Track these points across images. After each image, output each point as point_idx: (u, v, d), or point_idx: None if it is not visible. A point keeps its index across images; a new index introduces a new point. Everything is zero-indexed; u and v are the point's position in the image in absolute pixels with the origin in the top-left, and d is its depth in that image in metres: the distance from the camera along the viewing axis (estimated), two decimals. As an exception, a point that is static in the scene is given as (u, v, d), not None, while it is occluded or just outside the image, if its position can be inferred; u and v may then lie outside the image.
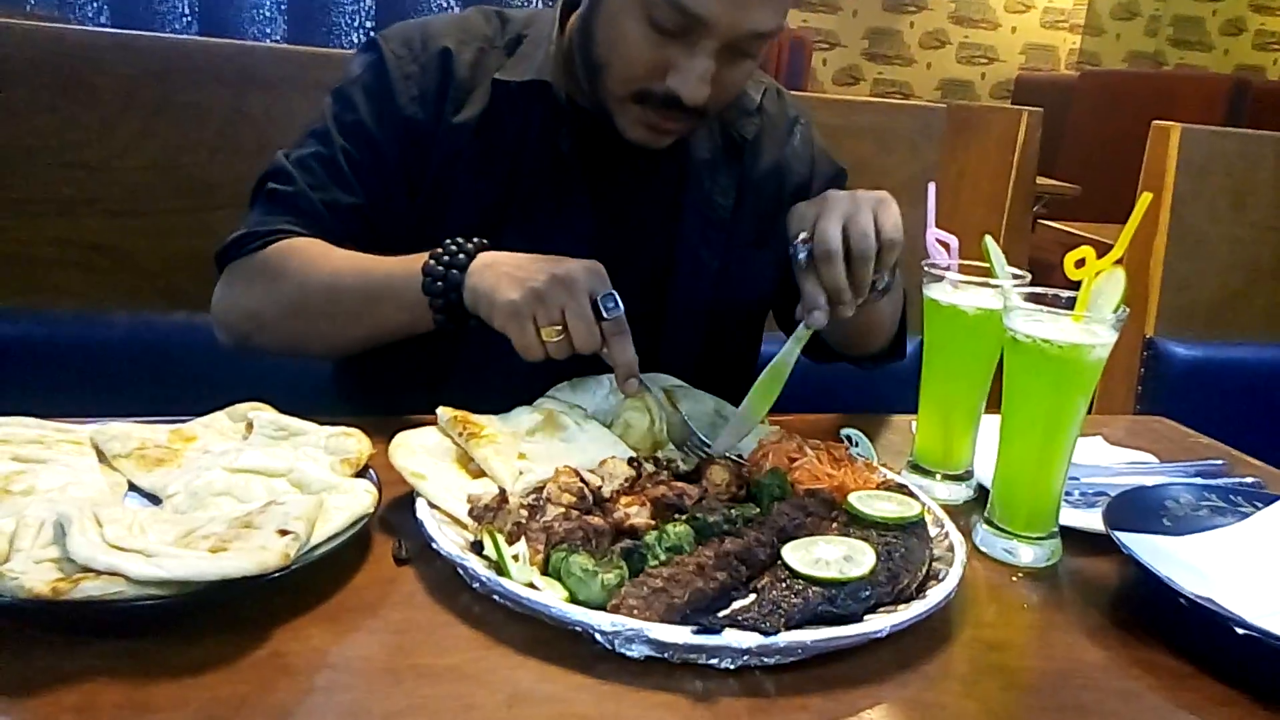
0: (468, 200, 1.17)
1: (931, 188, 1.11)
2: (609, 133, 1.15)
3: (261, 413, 0.96)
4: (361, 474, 0.89)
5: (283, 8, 2.26)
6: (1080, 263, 0.88)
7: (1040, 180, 3.51)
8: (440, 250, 1.03)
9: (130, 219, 1.44)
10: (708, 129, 1.24)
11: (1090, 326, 0.88)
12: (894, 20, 6.88)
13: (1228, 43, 7.72)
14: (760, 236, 1.27)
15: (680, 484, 0.91)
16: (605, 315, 0.95)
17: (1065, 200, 4.35)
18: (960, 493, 1.05)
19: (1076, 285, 0.89)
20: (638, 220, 1.23)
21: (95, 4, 2.17)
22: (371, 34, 1.21)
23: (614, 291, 0.96)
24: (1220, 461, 1.17)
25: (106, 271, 1.44)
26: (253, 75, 1.47)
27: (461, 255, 1.01)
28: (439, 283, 1.01)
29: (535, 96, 1.17)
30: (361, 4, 2.30)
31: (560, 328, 0.95)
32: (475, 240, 1.03)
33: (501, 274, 0.98)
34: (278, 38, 2.28)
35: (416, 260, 1.03)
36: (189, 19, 2.24)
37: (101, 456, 0.89)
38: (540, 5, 2.40)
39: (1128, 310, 0.87)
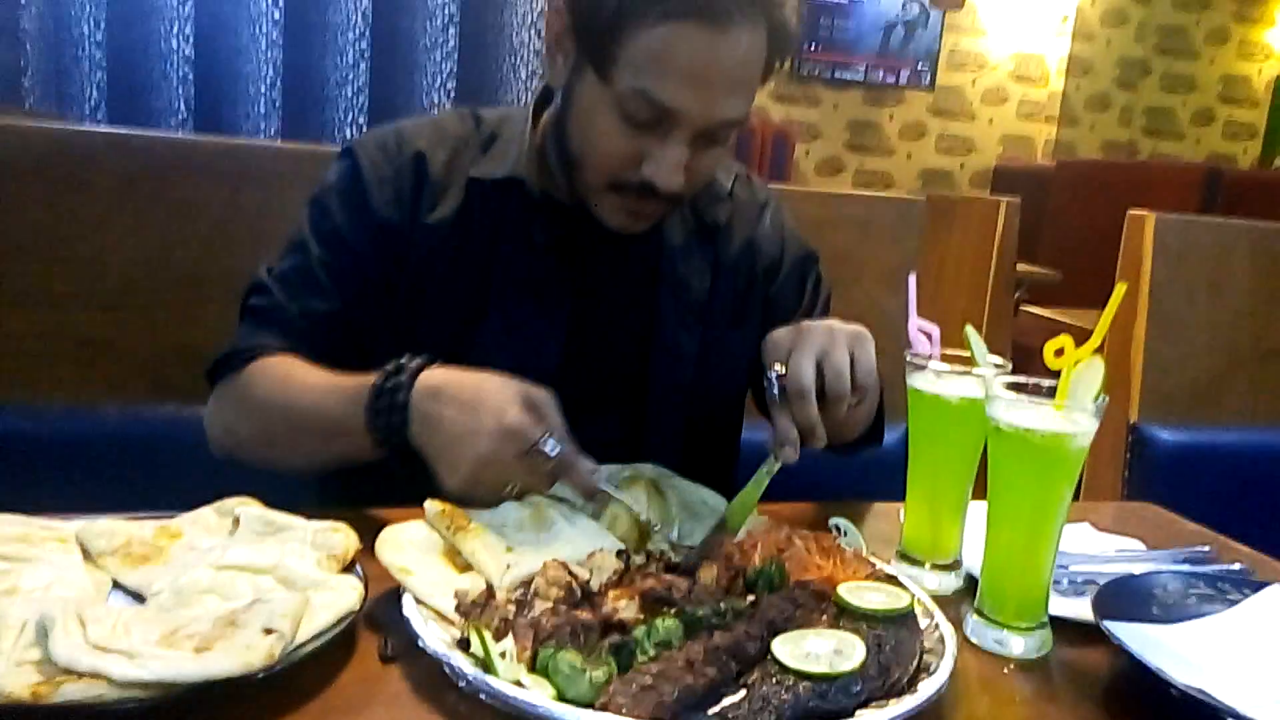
0: (445, 297, 1.19)
1: (912, 278, 1.13)
2: (583, 224, 1.18)
3: (248, 508, 0.95)
4: (348, 569, 0.89)
5: (277, 104, 2.30)
6: (1059, 352, 0.90)
7: (1022, 267, 3.57)
8: (378, 385, 1.01)
9: (121, 312, 1.45)
10: (680, 215, 1.28)
11: (1071, 415, 0.89)
12: (874, 113, 7.04)
13: (1199, 132, 7.93)
14: (736, 317, 1.31)
15: (669, 576, 0.90)
16: (549, 455, 0.96)
17: (1047, 286, 4.41)
18: (950, 582, 1.04)
19: (1058, 373, 0.91)
20: (615, 308, 1.25)
21: (92, 101, 2.22)
22: (347, 144, 1.25)
23: (549, 434, 0.96)
24: (1207, 548, 1.17)
25: (96, 365, 1.45)
26: (247, 171, 1.50)
27: (400, 394, 1.00)
28: (380, 418, 1.00)
29: (509, 192, 1.20)
30: (355, 101, 2.34)
31: (510, 485, 0.98)
32: (411, 368, 1.02)
33: (442, 439, 0.98)
34: (272, 133, 2.32)
35: (364, 389, 1.02)
36: (185, 115, 2.28)
37: (87, 554, 0.88)
38: (517, 104, 2.46)
39: (1107, 398, 0.89)
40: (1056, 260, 4.70)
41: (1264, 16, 7.84)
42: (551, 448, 0.95)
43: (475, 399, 0.97)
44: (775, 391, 1.03)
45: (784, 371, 1.03)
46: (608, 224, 1.16)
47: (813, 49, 6.85)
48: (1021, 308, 3.69)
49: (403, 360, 1.02)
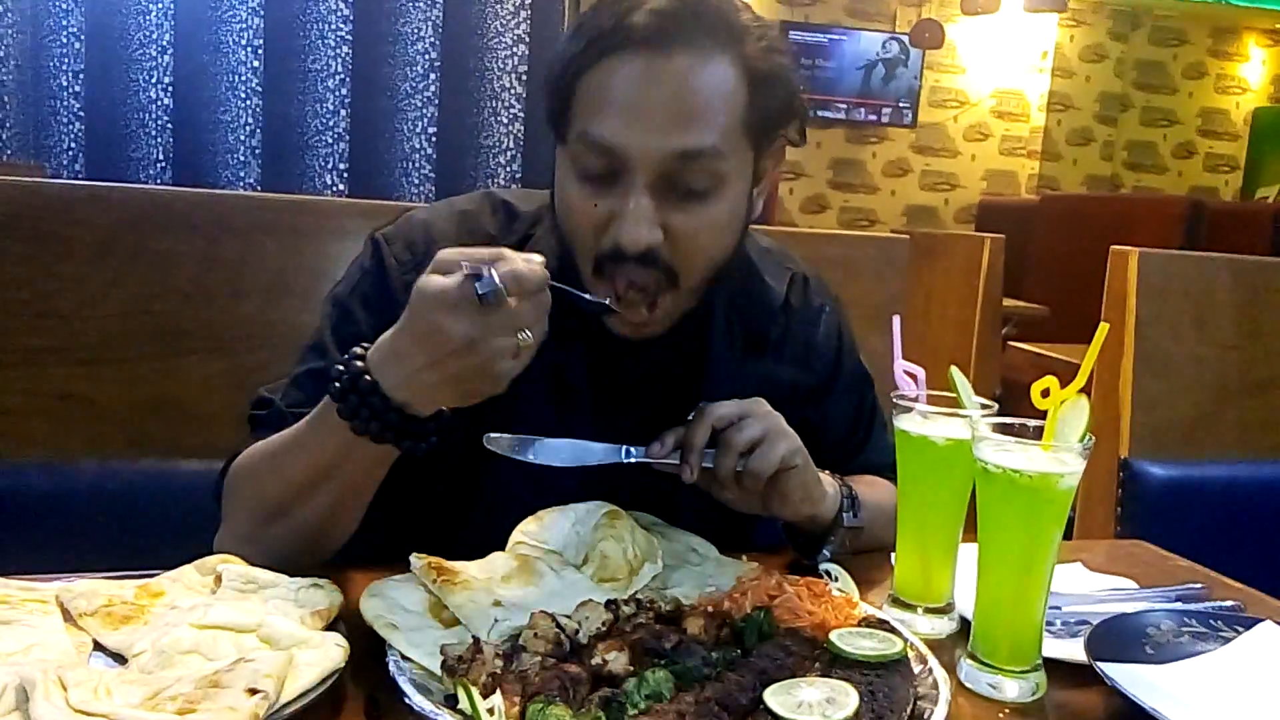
0: (464, 410, 1.03)
1: (896, 320, 1.13)
2: (618, 335, 1.12)
3: (230, 565, 0.94)
4: (332, 626, 0.87)
5: (257, 153, 2.30)
6: (1045, 393, 0.89)
7: (1008, 302, 3.59)
8: (335, 376, 0.95)
9: (99, 367, 1.44)
10: (727, 325, 1.20)
11: (1059, 455, 0.89)
12: (857, 150, 7.12)
13: (1180, 165, 8.03)
14: None
15: (660, 626, 0.89)
16: (483, 296, 0.87)
17: (1035, 321, 4.43)
18: (943, 626, 1.03)
19: (1045, 413, 0.90)
20: (648, 425, 1.15)
21: (70, 152, 2.22)
22: (373, 235, 1.18)
23: (475, 271, 0.87)
24: (1200, 585, 1.17)
25: (74, 420, 1.43)
26: (225, 222, 1.49)
27: (354, 363, 0.94)
28: (347, 393, 0.93)
29: None
30: (335, 148, 2.35)
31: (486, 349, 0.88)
32: (352, 351, 0.96)
33: (407, 369, 0.91)
34: (251, 181, 2.32)
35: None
36: (163, 165, 2.28)
37: (67, 615, 0.87)
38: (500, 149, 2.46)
39: (1094, 438, 0.88)
40: (1043, 295, 4.73)
41: (1239, 51, 7.97)
42: (485, 282, 0.87)
43: (410, 323, 0.92)
44: (692, 414, 1.07)
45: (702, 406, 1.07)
46: (615, 330, 1.10)
47: (795, 89, 6.91)
48: (1010, 344, 3.71)
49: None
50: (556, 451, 1.05)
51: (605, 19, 1.00)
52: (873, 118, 7.11)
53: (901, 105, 7.13)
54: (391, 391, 0.92)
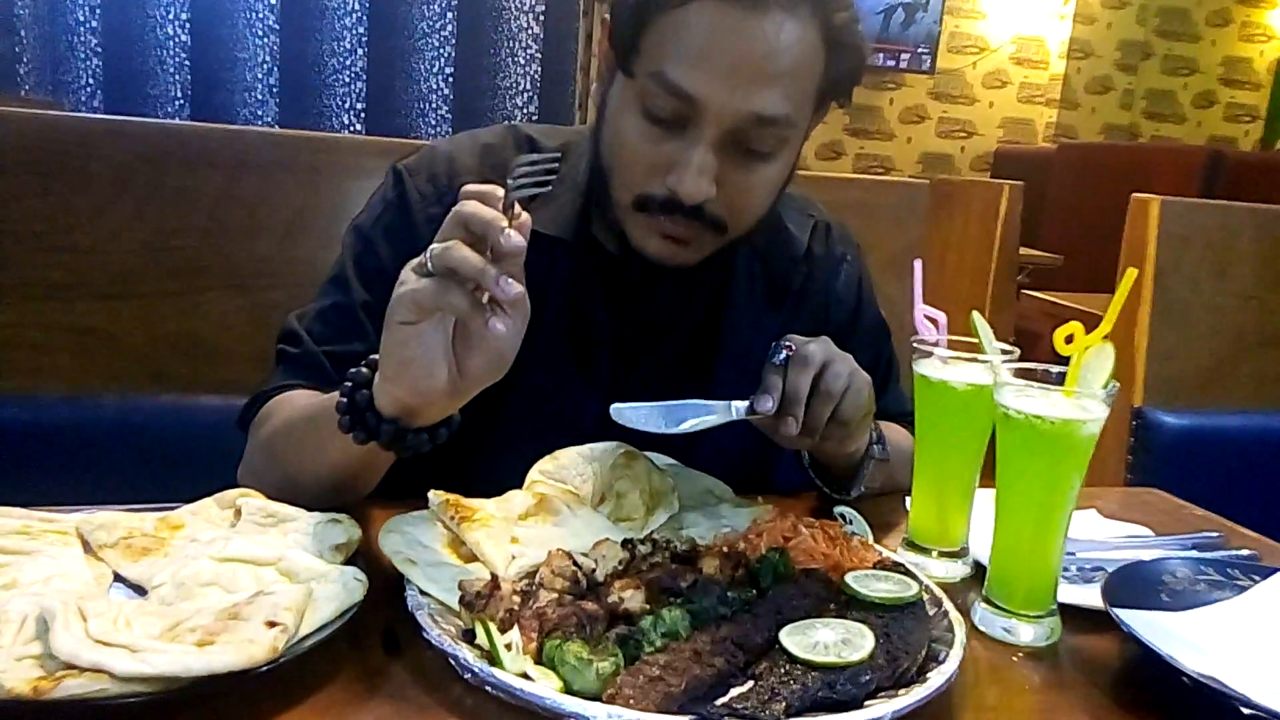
0: None
1: (918, 264, 1.12)
2: (636, 279, 1.11)
3: (250, 499, 0.94)
4: (351, 560, 0.88)
5: (274, 91, 2.29)
6: (1069, 339, 0.88)
7: (1023, 251, 3.56)
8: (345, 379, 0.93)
9: (120, 302, 1.44)
10: (749, 273, 1.19)
11: (1082, 402, 0.88)
12: (874, 97, 7.02)
13: (1200, 115, 7.90)
14: None
15: (675, 566, 0.90)
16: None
17: (1048, 270, 4.40)
18: (957, 570, 1.04)
19: (1064, 359, 0.90)
20: (666, 371, 1.17)
21: (88, 89, 2.21)
22: (395, 166, 1.17)
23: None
24: (1216, 534, 1.17)
25: (95, 354, 1.44)
26: (244, 159, 1.49)
27: (376, 357, 0.91)
28: (347, 383, 0.92)
29: (559, 251, 1.12)
30: (353, 87, 2.33)
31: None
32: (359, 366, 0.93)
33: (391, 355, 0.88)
34: (269, 120, 2.31)
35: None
36: (181, 102, 2.27)
37: (87, 546, 0.88)
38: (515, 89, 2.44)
39: (1118, 385, 0.88)
40: (1057, 244, 4.70)
41: (1266, -2, 7.80)
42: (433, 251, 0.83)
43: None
44: (779, 358, 1.02)
45: (794, 347, 1.02)
46: (643, 251, 1.07)
47: (812, 33, 6.80)
48: (1023, 292, 3.69)
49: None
50: (679, 417, 1.03)
51: None
52: (891, 63, 6.99)
53: (920, 51, 7.01)
54: (385, 408, 0.90)
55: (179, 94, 2.25)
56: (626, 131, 1.03)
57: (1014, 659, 0.89)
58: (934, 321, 1.07)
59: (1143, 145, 7.28)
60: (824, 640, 0.77)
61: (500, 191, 0.84)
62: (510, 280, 0.81)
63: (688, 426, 1.02)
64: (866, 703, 0.73)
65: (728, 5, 0.96)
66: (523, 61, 2.41)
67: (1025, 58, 7.23)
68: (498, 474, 1.02)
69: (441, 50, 2.35)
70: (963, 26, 7.07)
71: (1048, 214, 5.40)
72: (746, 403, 1.03)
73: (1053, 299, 3.58)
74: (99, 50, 2.18)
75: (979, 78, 7.18)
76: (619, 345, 1.15)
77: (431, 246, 0.83)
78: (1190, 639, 0.87)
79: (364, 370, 0.92)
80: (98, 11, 2.17)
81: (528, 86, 2.42)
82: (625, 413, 1.02)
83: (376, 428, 0.90)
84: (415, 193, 1.14)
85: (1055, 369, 0.90)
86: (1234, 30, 7.81)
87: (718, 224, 1.05)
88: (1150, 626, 0.86)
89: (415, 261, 0.85)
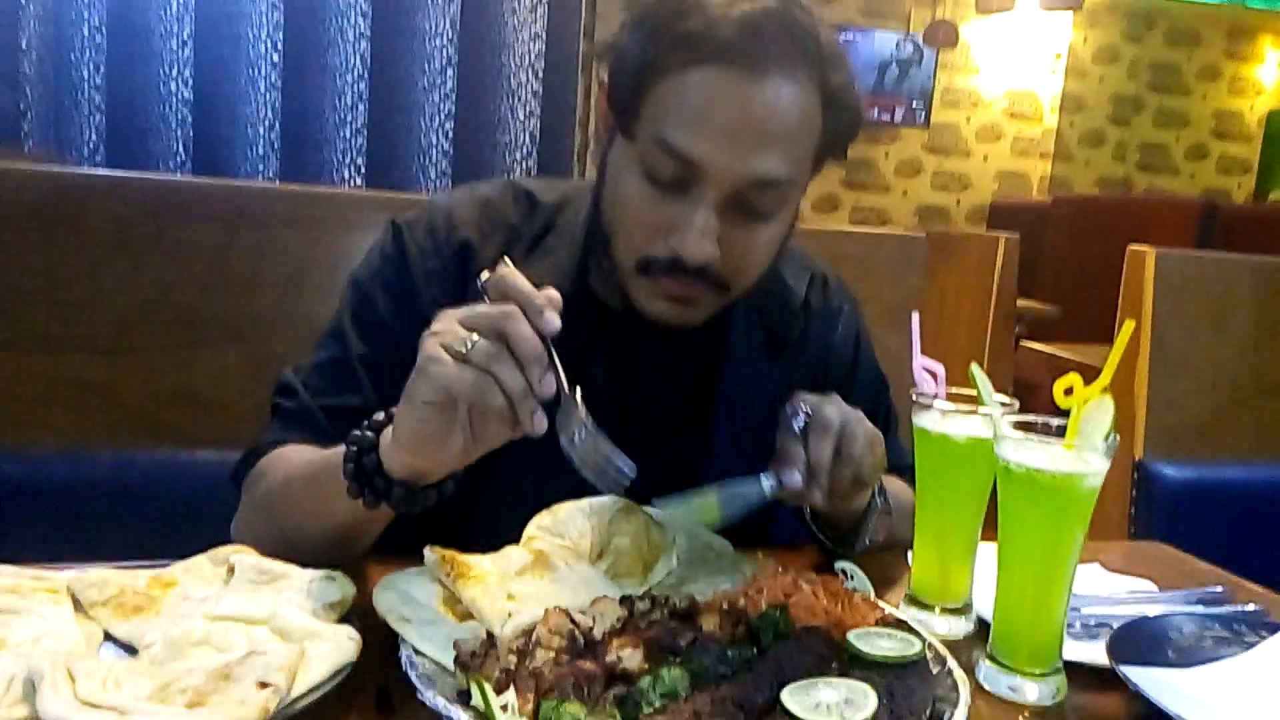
0: None
1: (915, 317, 1.12)
2: (635, 332, 1.11)
3: (244, 556, 0.93)
4: (345, 619, 0.87)
5: (275, 146, 2.30)
6: (1068, 391, 0.88)
7: (1020, 302, 3.57)
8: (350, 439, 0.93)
9: (117, 356, 1.44)
10: (748, 326, 1.19)
11: (1083, 455, 0.87)
12: (870, 150, 7.09)
13: (1193, 167, 7.98)
14: None
15: (674, 623, 0.88)
16: (482, 288, 0.85)
17: (1045, 321, 4.41)
18: (960, 626, 1.02)
19: (1064, 410, 0.89)
20: (664, 424, 1.17)
21: (91, 144, 2.22)
22: (393, 220, 1.17)
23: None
24: (1220, 588, 1.15)
25: (92, 409, 1.43)
26: (243, 213, 1.49)
27: (379, 417, 0.93)
28: (352, 446, 0.92)
29: None
30: (354, 142, 2.35)
31: (468, 337, 0.82)
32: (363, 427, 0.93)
33: (406, 428, 0.88)
34: (270, 175, 2.32)
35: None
36: (183, 157, 2.28)
37: (78, 605, 0.86)
38: (514, 146, 2.46)
39: (1118, 438, 0.87)
40: (1053, 296, 4.71)
41: (1254, 53, 7.91)
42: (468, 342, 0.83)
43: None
44: (798, 424, 1.02)
45: (810, 411, 1.02)
46: (646, 312, 1.07)
47: (808, 88, 6.89)
48: (1021, 344, 3.69)
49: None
50: (722, 511, 1.04)
51: (692, 23, 0.98)
52: (886, 117, 7.07)
53: (914, 105, 7.09)
54: (395, 471, 0.90)
55: (181, 149, 2.26)
56: (628, 194, 1.04)
57: (1020, 718, 0.87)
58: (933, 374, 1.07)
59: (1137, 197, 7.33)
60: (827, 700, 0.76)
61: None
62: (549, 376, 0.84)
63: (732, 515, 1.03)
64: (870, 764, 0.72)
65: (728, 71, 0.97)
66: (522, 117, 2.43)
67: (1019, 112, 7.31)
68: (495, 528, 1.01)
69: (442, 105, 2.37)
70: (956, 81, 7.16)
71: (1043, 266, 5.42)
72: (773, 479, 1.03)
73: (1050, 350, 3.59)
74: (102, 107, 2.19)
75: (973, 131, 7.25)
76: (616, 397, 1.15)
77: (472, 334, 0.83)
78: (1198, 697, 0.85)
79: (368, 434, 0.92)
80: (101, 69, 2.18)
81: (526, 141, 2.44)
82: (668, 510, 1.02)
83: (387, 491, 0.90)
84: (414, 246, 1.15)
85: (1055, 421, 0.90)
86: (1224, 84, 7.91)
87: (721, 284, 1.06)
88: (1157, 684, 0.85)
89: (444, 336, 0.84)
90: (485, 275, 0.87)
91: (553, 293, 0.85)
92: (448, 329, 0.84)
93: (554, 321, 0.84)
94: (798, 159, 1.03)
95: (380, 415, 0.93)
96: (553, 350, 0.85)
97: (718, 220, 1.01)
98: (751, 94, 0.97)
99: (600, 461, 0.91)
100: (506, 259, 0.90)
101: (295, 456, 1.08)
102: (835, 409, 1.04)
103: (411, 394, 0.86)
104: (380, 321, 1.12)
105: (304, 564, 0.94)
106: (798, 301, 1.25)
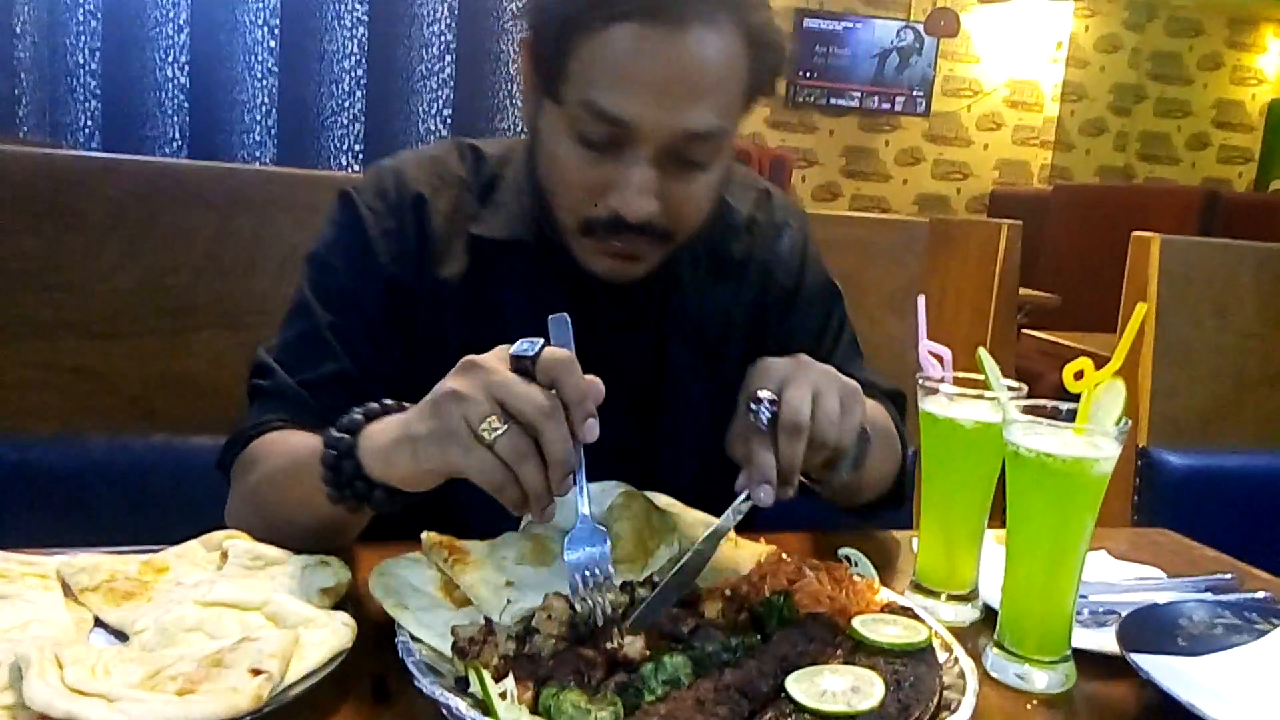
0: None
1: (921, 300, 1.10)
2: (589, 272, 1.10)
3: (237, 541, 0.92)
4: (340, 605, 0.85)
5: (272, 133, 2.28)
6: (1079, 375, 0.87)
7: (1022, 291, 3.56)
8: (328, 436, 0.91)
9: (111, 341, 1.42)
10: (692, 252, 1.18)
11: (1093, 439, 0.86)
12: (870, 139, 7.08)
13: (1194, 156, 7.97)
14: (749, 356, 1.11)
15: (676, 609, 0.87)
16: (531, 360, 0.81)
17: (1046, 309, 4.40)
18: (966, 614, 1.01)
19: (1070, 397, 0.88)
20: (622, 359, 1.13)
21: (86, 130, 2.20)
22: (342, 189, 1.17)
23: (527, 341, 0.83)
24: (1229, 576, 1.14)
25: (85, 394, 1.41)
26: (239, 197, 1.47)
27: (357, 416, 0.90)
28: (330, 450, 0.89)
29: (511, 248, 1.13)
30: (351, 129, 2.33)
31: (497, 417, 0.79)
32: (381, 404, 0.92)
33: (396, 421, 0.87)
34: (267, 160, 2.30)
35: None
36: (179, 143, 2.26)
37: (68, 590, 0.85)
38: (513, 131, 2.45)
39: (1129, 422, 0.86)
40: (1054, 285, 4.70)
41: (1256, 42, 7.90)
42: (527, 349, 0.82)
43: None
44: (764, 420, 0.91)
45: (776, 400, 0.92)
46: (593, 270, 1.08)
47: (808, 76, 6.88)
48: (1022, 332, 3.68)
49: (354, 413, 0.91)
50: (692, 562, 0.89)
51: None
52: (886, 106, 7.06)
53: (915, 94, 7.07)
54: (378, 477, 0.87)
55: (176, 135, 2.24)
56: (562, 158, 1.03)
57: (1028, 706, 0.86)
58: (939, 358, 1.05)
59: (1138, 186, 7.32)
60: (832, 688, 0.74)
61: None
62: (569, 478, 0.82)
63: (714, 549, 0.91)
64: (877, 753, 0.70)
65: (650, 26, 0.95)
66: (520, 104, 2.41)
67: (1019, 101, 7.30)
68: (491, 512, 0.98)
69: (439, 93, 2.35)
70: (957, 70, 7.14)
71: (1044, 255, 5.41)
72: (743, 497, 0.90)
73: (1052, 338, 3.57)
74: (98, 93, 2.17)
75: (974, 120, 7.24)
76: (580, 338, 1.13)
77: (500, 420, 0.79)
78: (1210, 685, 0.84)
79: (345, 437, 0.89)
80: (97, 54, 2.16)
81: (524, 127, 2.42)
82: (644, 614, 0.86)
83: (368, 494, 0.88)
84: (366, 209, 1.14)
85: (1065, 406, 0.88)
86: (1225, 74, 7.90)
87: (664, 235, 1.05)
88: (1168, 672, 0.83)
89: (469, 407, 0.80)
90: (552, 317, 0.88)
91: (599, 388, 0.83)
92: (473, 395, 0.81)
93: (594, 431, 0.82)
94: (728, 106, 1.02)
95: (357, 415, 0.91)
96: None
97: (655, 175, 1.00)
98: (675, 48, 0.96)
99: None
100: (567, 316, 0.89)
101: (279, 446, 1.06)
102: (803, 390, 0.92)
103: (416, 443, 0.83)
104: (342, 288, 1.13)
105: (296, 551, 0.92)
106: (740, 219, 1.24)
